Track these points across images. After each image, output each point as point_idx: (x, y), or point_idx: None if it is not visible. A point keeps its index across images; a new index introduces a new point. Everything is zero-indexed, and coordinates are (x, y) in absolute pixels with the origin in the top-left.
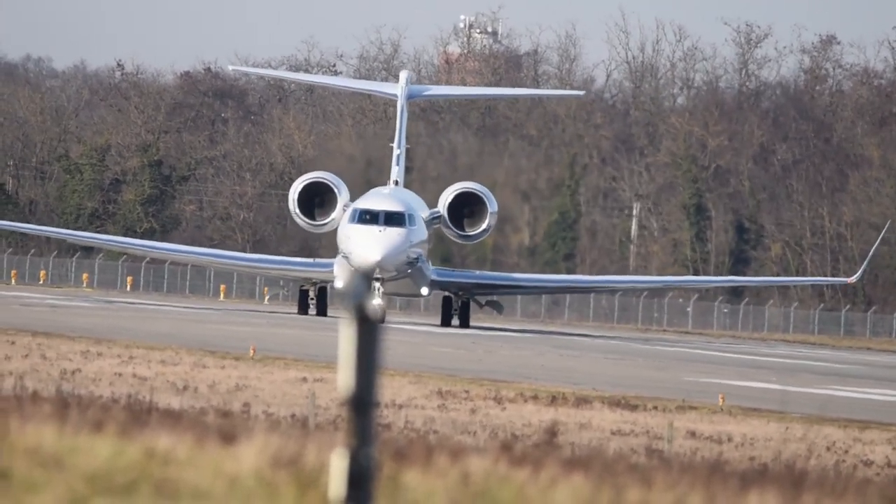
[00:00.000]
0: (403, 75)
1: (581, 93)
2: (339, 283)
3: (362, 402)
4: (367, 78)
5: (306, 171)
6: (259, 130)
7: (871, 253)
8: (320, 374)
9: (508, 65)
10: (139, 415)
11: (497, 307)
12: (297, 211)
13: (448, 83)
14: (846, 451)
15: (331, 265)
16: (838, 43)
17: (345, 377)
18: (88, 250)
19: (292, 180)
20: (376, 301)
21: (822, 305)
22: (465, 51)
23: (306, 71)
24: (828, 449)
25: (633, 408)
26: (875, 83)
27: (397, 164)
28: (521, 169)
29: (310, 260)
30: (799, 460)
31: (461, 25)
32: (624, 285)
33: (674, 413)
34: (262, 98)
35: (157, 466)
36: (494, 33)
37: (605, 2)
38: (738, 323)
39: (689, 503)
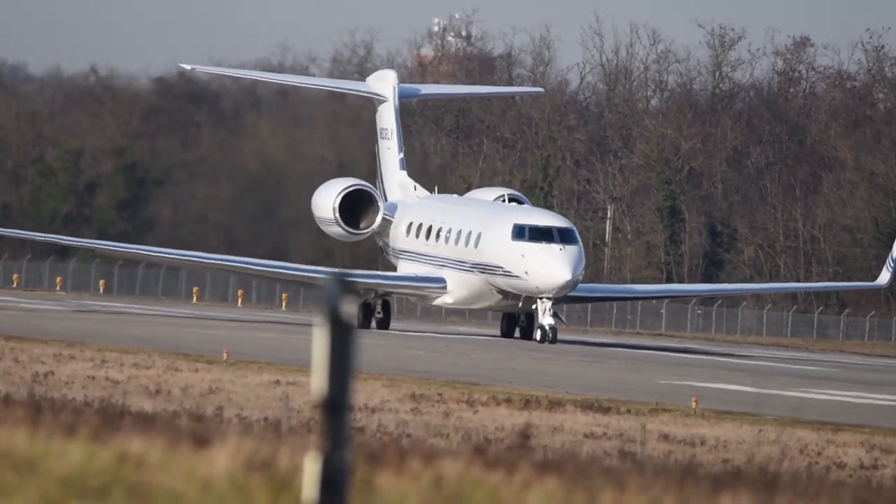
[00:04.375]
0: (391, 75)
1: (541, 90)
2: (449, 300)
3: (336, 405)
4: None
5: (279, 175)
6: (233, 135)
7: (894, 251)
8: (293, 377)
9: (482, 67)
10: (112, 418)
11: (559, 320)
12: (339, 218)
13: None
14: (819, 454)
15: (435, 279)
16: (812, 45)
17: (318, 380)
18: (63, 254)
19: (266, 184)
20: (549, 320)
21: (795, 308)
22: (439, 53)
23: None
24: (801, 451)
25: (606, 411)
26: (848, 85)
27: (402, 168)
28: (495, 171)
29: (413, 274)
30: (772, 463)
31: (435, 28)
32: (725, 292)
33: (647, 416)
34: (235, 102)
35: (130, 470)
36: (468, 36)
37: (579, 5)
38: (711, 325)
39: None
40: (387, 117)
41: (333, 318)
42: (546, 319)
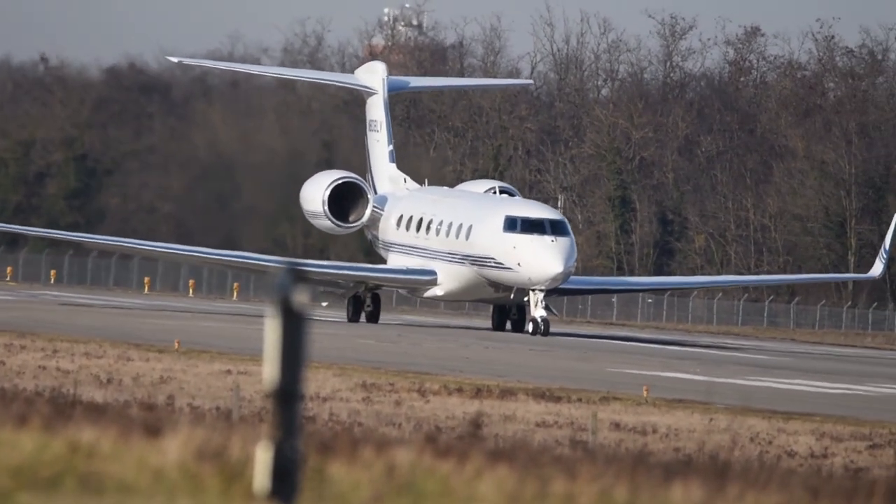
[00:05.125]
0: (381, 67)
1: (530, 82)
2: (439, 292)
3: (287, 394)
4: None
5: (231, 165)
6: (184, 124)
7: (887, 243)
8: (245, 366)
9: (434, 58)
10: (63, 408)
11: (551, 312)
12: (328, 212)
13: None
14: (770, 442)
15: (426, 272)
16: (762, 35)
17: (270, 370)
18: (12, 244)
19: (218, 174)
20: (541, 312)
21: (745, 296)
22: (390, 43)
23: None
24: (752, 440)
25: (558, 399)
26: (799, 75)
27: (392, 161)
28: (446, 160)
29: (403, 266)
30: (723, 451)
31: (386, 18)
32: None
33: (598, 404)
34: (186, 92)
35: (82, 460)
36: (419, 26)
37: None
38: (662, 314)
39: (614, 494)
40: (376, 110)
41: (285, 307)
42: (538, 311)
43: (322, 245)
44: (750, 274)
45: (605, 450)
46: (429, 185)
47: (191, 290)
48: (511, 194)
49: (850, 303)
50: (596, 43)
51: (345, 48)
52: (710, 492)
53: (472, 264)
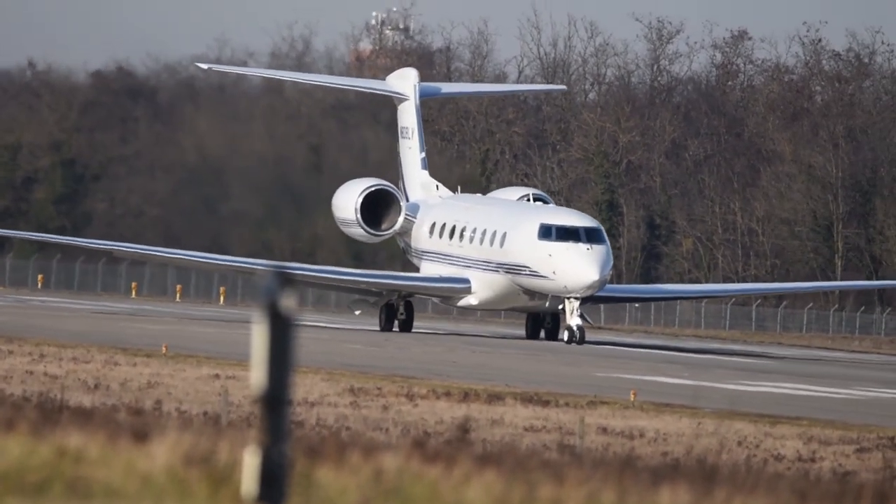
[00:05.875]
0: (412, 73)
1: (564, 87)
2: (473, 301)
3: (275, 399)
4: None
5: (218, 169)
6: (171, 129)
7: None
8: (233, 371)
9: (421, 62)
10: (51, 413)
11: (586, 321)
12: (360, 219)
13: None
14: (757, 446)
15: (460, 280)
16: (749, 38)
17: (258, 374)
18: (0, 249)
19: (205, 178)
20: (577, 321)
21: (732, 300)
22: (377, 47)
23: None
24: (739, 444)
25: (546, 404)
26: (786, 78)
27: (424, 168)
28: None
29: (437, 275)
30: (710, 455)
31: (373, 22)
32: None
33: (585, 409)
34: (173, 96)
35: (70, 465)
36: (406, 29)
37: None
38: (649, 318)
39: (602, 498)
40: (407, 116)
41: (272, 311)
42: (574, 320)
43: (310, 249)
44: (737, 279)
45: (593, 454)
46: (461, 192)
47: (178, 295)
48: (545, 202)
49: (836, 306)
50: (583, 47)
51: (332, 52)
52: (697, 496)
53: (507, 273)
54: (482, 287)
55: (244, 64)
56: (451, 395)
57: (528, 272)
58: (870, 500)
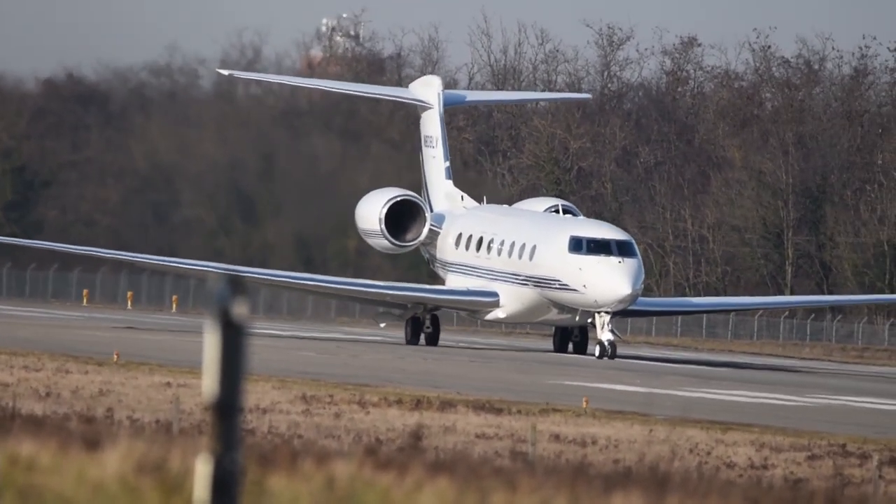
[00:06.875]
0: (436, 81)
1: (588, 96)
2: (501, 314)
3: (227, 406)
4: (230, 82)
5: (169, 177)
6: (122, 135)
7: None
8: (184, 379)
9: (371, 68)
10: (2, 421)
11: (616, 335)
12: (385, 230)
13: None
14: (709, 453)
15: (488, 293)
16: (699, 45)
17: (209, 382)
18: None
19: (156, 185)
20: (608, 336)
21: None
22: (328, 54)
23: (168, 77)
24: (691, 451)
25: (498, 411)
26: (736, 85)
27: (448, 178)
28: (383, 174)
29: (464, 287)
30: (662, 462)
31: (323, 29)
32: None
33: (537, 416)
34: (124, 103)
35: (21, 473)
36: (357, 36)
37: (467, 4)
38: None
39: None
40: (431, 125)
41: (224, 318)
42: (605, 335)
43: (262, 258)
44: (688, 286)
45: (545, 461)
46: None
47: (129, 303)
48: (574, 214)
49: (787, 314)
50: (533, 53)
51: (283, 60)
52: (650, 503)
53: (536, 286)
54: (510, 300)
55: (195, 71)
56: (403, 403)
57: (557, 285)
58: None
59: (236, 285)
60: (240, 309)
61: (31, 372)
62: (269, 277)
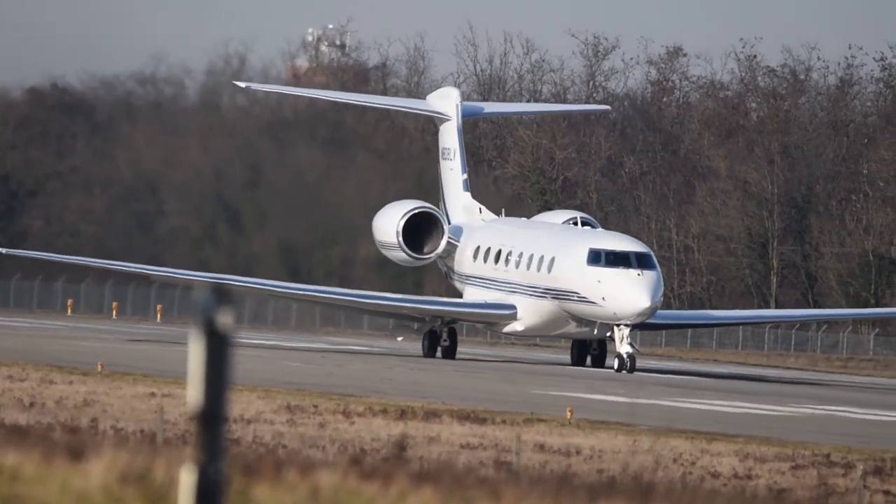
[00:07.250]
0: (454, 93)
1: (608, 108)
2: (519, 327)
3: (211, 416)
4: (216, 92)
5: (154, 187)
6: (107, 145)
7: None
8: (169, 389)
9: (357, 78)
10: None
11: (635, 348)
12: (402, 243)
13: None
14: (693, 463)
15: (506, 306)
16: (685, 55)
17: (194, 392)
18: None
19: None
20: (627, 349)
21: None
22: (314, 64)
23: (153, 86)
24: (675, 461)
25: (482, 421)
26: (721, 95)
27: (466, 190)
28: (368, 183)
29: (482, 300)
30: (647, 472)
31: (309, 38)
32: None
33: (522, 426)
34: (110, 113)
35: (5, 483)
36: (343, 46)
37: (453, 14)
38: None
39: None
40: (449, 137)
41: (209, 328)
42: (624, 348)
43: (247, 267)
44: (673, 296)
45: (530, 471)
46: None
47: (114, 313)
48: (592, 226)
49: (772, 323)
50: (519, 63)
51: (268, 69)
52: None
53: (555, 298)
54: (528, 313)
55: (181, 81)
56: (388, 413)
57: (576, 298)
58: None
59: (221, 295)
60: (225, 319)
61: (15, 382)
62: (297, 291)
